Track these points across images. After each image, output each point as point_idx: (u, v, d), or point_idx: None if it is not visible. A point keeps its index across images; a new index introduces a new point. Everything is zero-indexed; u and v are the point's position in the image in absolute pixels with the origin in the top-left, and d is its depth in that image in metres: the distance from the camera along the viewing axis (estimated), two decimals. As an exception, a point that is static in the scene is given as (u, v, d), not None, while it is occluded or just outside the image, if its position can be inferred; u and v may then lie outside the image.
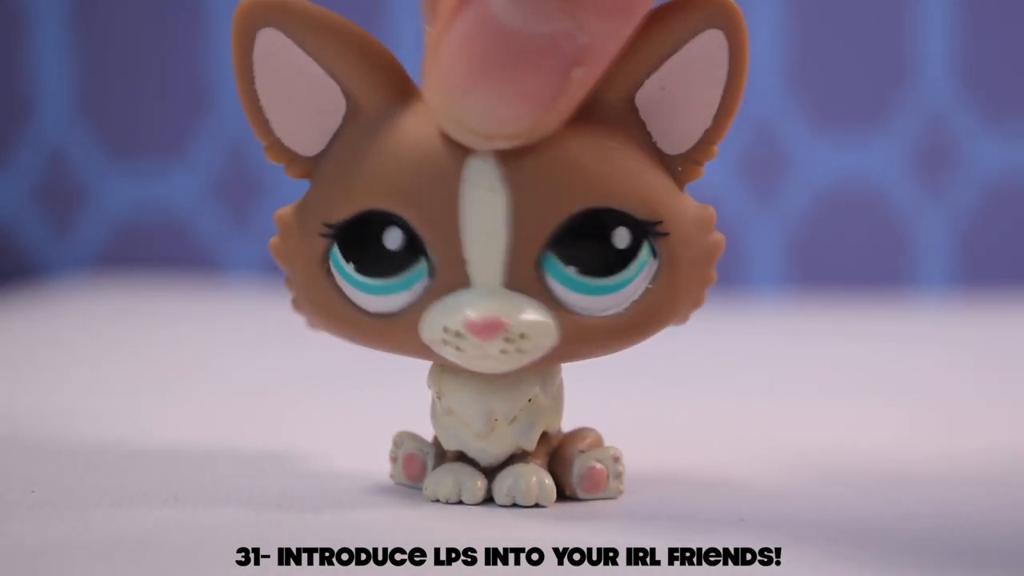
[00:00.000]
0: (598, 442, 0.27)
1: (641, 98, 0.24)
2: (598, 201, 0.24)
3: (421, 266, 0.24)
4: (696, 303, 0.25)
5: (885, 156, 0.68)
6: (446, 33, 0.22)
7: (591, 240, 0.24)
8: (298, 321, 0.26)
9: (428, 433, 0.27)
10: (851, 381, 0.43)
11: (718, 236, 0.25)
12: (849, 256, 0.69)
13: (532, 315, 0.24)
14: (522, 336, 0.24)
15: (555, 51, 0.22)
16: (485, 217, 0.24)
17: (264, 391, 0.41)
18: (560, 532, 0.24)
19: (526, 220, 0.24)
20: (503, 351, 0.24)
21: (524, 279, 0.24)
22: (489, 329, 0.24)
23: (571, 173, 0.24)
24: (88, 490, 0.26)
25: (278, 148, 0.25)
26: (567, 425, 0.27)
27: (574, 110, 0.23)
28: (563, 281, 0.24)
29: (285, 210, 0.25)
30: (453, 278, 0.24)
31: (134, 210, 0.71)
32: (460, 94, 0.22)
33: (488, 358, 0.24)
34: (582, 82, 0.23)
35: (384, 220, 0.24)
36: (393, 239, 0.24)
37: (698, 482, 0.28)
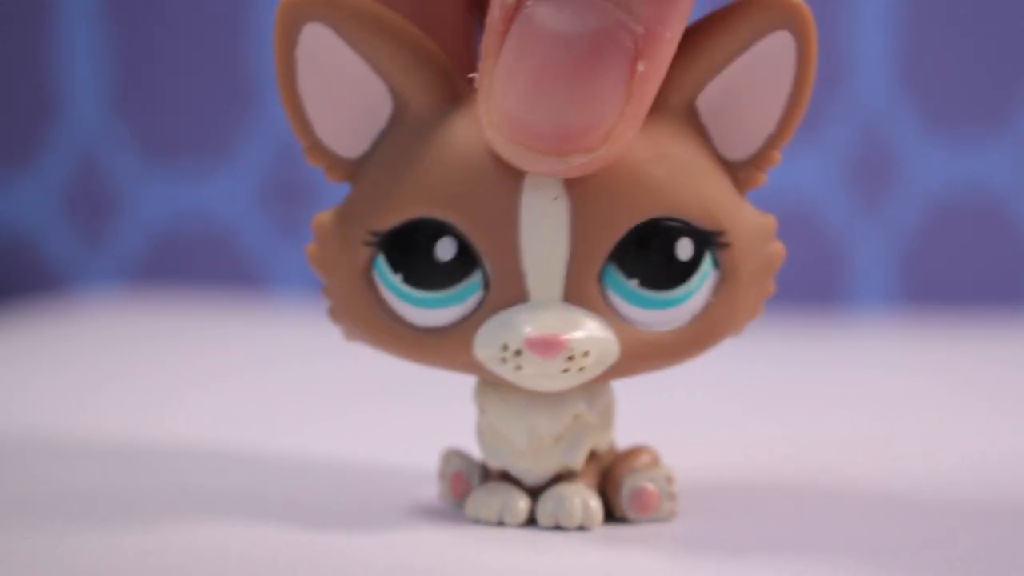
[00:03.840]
0: (654, 461, 0.27)
1: (703, 102, 0.25)
2: (661, 211, 0.24)
3: (475, 279, 0.25)
4: (754, 315, 0.26)
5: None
6: (498, 59, 0.23)
7: (654, 252, 0.25)
8: (338, 327, 0.26)
9: (476, 450, 0.27)
10: (950, 408, 0.43)
11: (778, 246, 0.26)
12: (962, 271, 0.68)
13: (594, 332, 0.24)
14: (585, 354, 0.24)
15: (613, 47, 0.23)
16: (546, 227, 0.24)
17: (312, 411, 0.42)
18: (599, 556, 0.24)
19: (588, 231, 0.24)
20: (565, 370, 0.24)
21: (585, 293, 0.24)
22: (551, 348, 0.24)
23: (634, 182, 0.24)
24: (119, 506, 0.28)
25: (319, 149, 0.26)
26: (624, 443, 0.27)
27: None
28: (625, 295, 0.25)
29: (324, 215, 0.26)
30: (510, 292, 0.24)
31: (172, 219, 0.71)
32: (523, 113, 0.23)
33: (548, 377, 0.24)
34: (648, 79, 0.23)
35: (436, 229, 0.25)
36: (445, 249, 0.25)
37: (763, 508, 0.28)
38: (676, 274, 0.25)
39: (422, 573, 0.23)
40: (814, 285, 0.67)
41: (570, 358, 0.24)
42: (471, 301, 0.25)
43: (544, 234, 0.24)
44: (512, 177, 0.24)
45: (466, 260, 0.25)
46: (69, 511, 0.27)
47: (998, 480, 0.32)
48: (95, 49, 0.71)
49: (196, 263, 0.71)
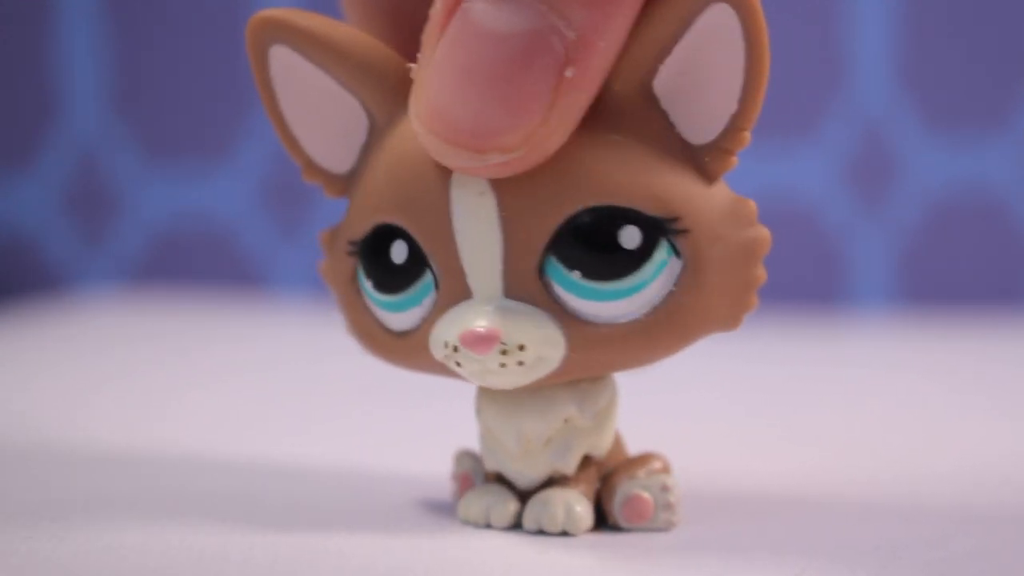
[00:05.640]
0: (662, 469, 0.26)
1: (659, 86, 0.24)
2: (599, 199, 0.24)
3: (428, 279, 0.25)
4: (744, 306, 0.25)
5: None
6: (432, 54, 0.23)
7: (595, 242, 0.24)
8: (352, 341, 0.27)
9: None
10: (950, 407, 0.43)
11: (760, 231, 0.25)
12: (962, 271, 0.68)
13: (530, 326, 0.24)
14: (521, 348, 0.24)
15: (542, 50, 0.23)
16: (477, 224, 0.24)
17: (312, 411, 0.42)
18: (601, 559, 0.24)
19: (520, 224, 0.24)
20: (502, 364, 0.24)
21: (526, 287, 0.24)
22: (482, 342, 0.24)
23: (565, 172, 0.24)
24: (118, 507, 0.28)
25: (312, 167, 0.26)
26: (634, 449, 0.27)
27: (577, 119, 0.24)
28: (569, 287, 0.24)
29: (326, 230, 0.26)
30: (455, 290, 0.25)
31: (172, 219, 0.71)
32: (445, 106, 0.23)
33: (489, 372, 0.24)
34: (576, 86, 0.23)
35: (391, 233, 0.25)
36: (398, 252, 0.25)
37: (762, 507, 0.28)
38: (623, 264, 0.24)
39: (421, 575, 0.23)
40: (814, 285, 0.67)
41: (505, 352, 0.24)
42: (427, 302, 0.25)
43: (475, 230, 0.24)
44: (442, 174, 0.24)
45: (418, 262, 0.25)
46: (69, 512, 0.27)
47: (998, 480, 0.32)
48: (95, 49, 0.71)
49: (196, 263, 0.71)
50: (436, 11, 0.23)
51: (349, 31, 0.25)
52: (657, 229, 0.24)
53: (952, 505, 0.29)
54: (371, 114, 0.25)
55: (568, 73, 0.23)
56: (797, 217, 0.68)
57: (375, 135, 0.25)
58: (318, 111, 0.26)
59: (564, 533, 0.26)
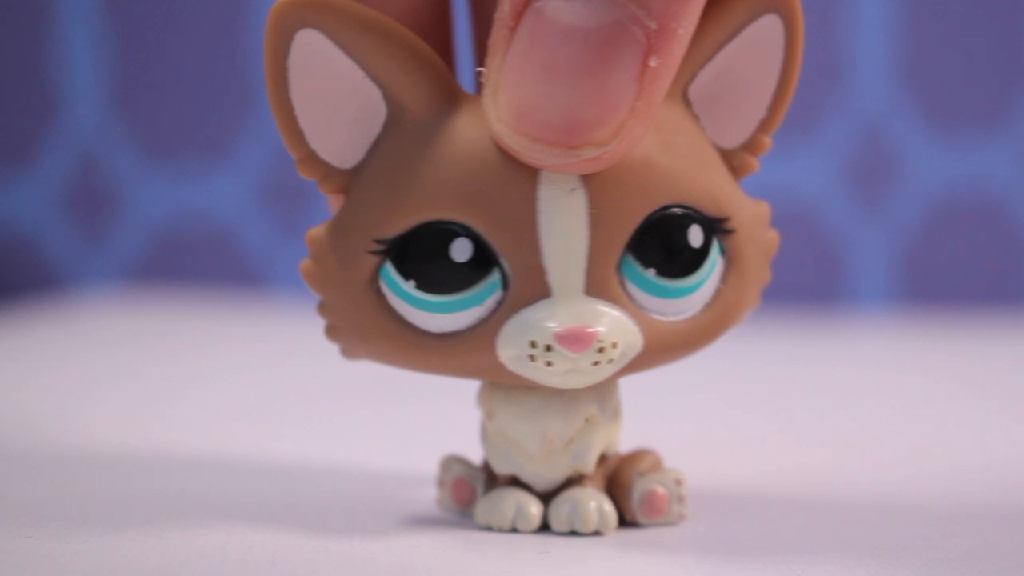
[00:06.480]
0: (657, 464, 0.27)
1: (694, 91, 0.25)
2: (673, 199, 0.24)
3: (493, 278, 0.24)
4: (754, 304, 0.26)
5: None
6: (507, 53, 0.23)
7: (668, 240, 0.24)
8: (335, 344, 0.26)
9: (475, 455, 0.27)
10: (951, 407, 0.43)
11: (774, 233, 0.26)
12: (962, 271, 0.68)
13: (620, 323, 0.24)
14: (614, 346, 0.24)
15: (624, 41, 0.22)
16: (565, 220, 0.24)
17: (311, 411, 0.42)
18: (600, 558, 0.24)
19: (606, 222, 0.24)
20: (595, 362, 0.24)
21: (605, 285, 0.24)
22: (582, 341, 0.24)
23: (646, 171, 0.24)
24: (118, 507, 0.27)
25: (312, 161, 0.25)
26: (624, 445, 0.27)
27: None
28: (642, 285, 0.24)
29: (318, 230, 0.25)
30: (531, 288, 0.24)
31: (172, 218, 0.71)
32: (532, 105, 0.23)
33: (578, 372, 0.24)
34: (659, 75, 0.23)
35: (448, 231, 0.24)
36: (461, 250, 0.24)
37: (763, 507, 0.28)
38: (689, 262, 0.24)
39: (421, 574, 0.23)
40: (814, 285, 0.67)
41: (600, 350, 0.24)
42: (490, 301, 0.24)
43: (563, 227, 0.24)
44: (527, 172, 0.24)
45: (481, 260, 0.24)
46: (68, 511, 0.27)
47: (998, 479, 0.32)
48: (95, 48, 0.71)
49: (196, 263, 0.71)
50: (504, 12, 0.23)
51: (389, 18, 0.24)
52: (711, 228, 0.25)
53: (952, 505, 0.29)
54: (397, 106, 0.25)
55: (652, 62, 0.23)
56: (797, 217, 0.68)
57: (395, 128, 0.25)
58: (332, 102, 0.25)
59: (596, 533, 0.26)
